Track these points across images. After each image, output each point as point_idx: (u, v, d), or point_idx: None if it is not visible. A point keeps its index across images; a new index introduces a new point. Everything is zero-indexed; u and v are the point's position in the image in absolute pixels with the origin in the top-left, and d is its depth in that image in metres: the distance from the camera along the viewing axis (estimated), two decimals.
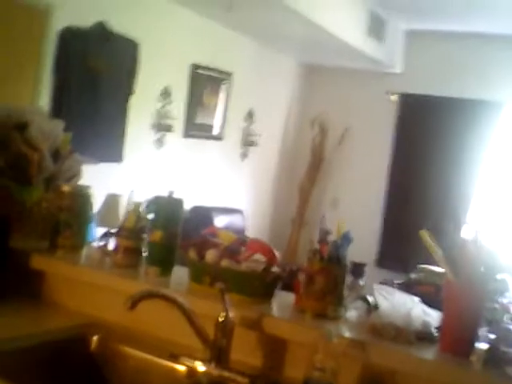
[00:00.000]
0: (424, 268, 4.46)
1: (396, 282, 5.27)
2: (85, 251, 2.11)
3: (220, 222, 5.24)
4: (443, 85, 5.96)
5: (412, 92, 6.16)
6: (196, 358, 1.59)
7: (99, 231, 3.95)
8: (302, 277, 1.66)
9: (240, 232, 5.46)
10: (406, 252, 5.54)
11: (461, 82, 5.91)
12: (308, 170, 6.50)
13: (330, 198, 6.53)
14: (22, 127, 2.27)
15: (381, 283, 5.27)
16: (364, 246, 6.13)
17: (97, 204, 4.13)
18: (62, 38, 3.97)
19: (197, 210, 5.15)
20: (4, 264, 1.96)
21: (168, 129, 5.05)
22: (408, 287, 5.00)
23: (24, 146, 2.23)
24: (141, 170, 4.88)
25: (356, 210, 6.34)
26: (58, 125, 2.48)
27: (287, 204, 6.55)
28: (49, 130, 2.38)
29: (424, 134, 6.14)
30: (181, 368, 1.61)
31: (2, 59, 2.86)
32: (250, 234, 5.76)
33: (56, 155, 2.34)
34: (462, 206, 5.84)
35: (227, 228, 5.25)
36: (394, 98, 6.25)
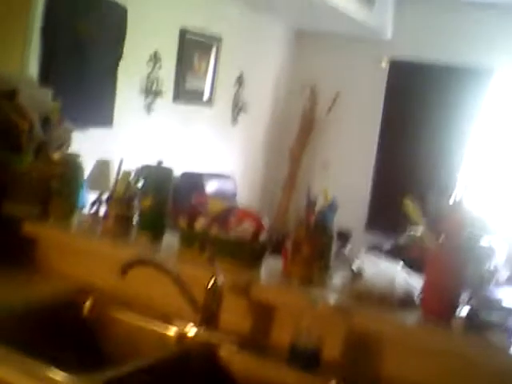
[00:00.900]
0: (413, 232, 4.52)
1: (385, 246, 5.35)
2: (76, 218, 2.14)
3: (211, 187, 5.26)
4: (433, 51, 5.95)
5: (402, 58, 6.14)
6: (186, 323, 1.64)
7: (90, 196, 3.98)
8: (288, 244, 1.70)
9: (231, 197, 5.50)
10: (396, 216, 5.58)
11: (451, 48, 5.90)
12: (298, 135, 6.51)
13: (320, 162, 6.56)
14: (11, 95, 2.27)
15: (370, 248, 5.37)
16: (354, 210, 6.20)
17: (87, 169, 4.15)
18: (50, 2, 3.93)
19: (187, 175, 5.17)
20: None
21: (158, 94, 5.04)
22: (397, 252, 5.08)
23: (13, 114, 2.24)
24: (131, 135, 4.88)
25: (346, 174, 6.38)
26: (47, 93, 2.48)
27: (278, 169, 6.57)
28: (38, 99, 2.39)
29: (414, 99, 6.15)
30: (171, 331, 1.65)
31: None
32: (241, 199, 5.80)
33: (45, 123, 2.35)
34: (450, 172, 5.88)
35: (218, 194, 5.29)
36: (385, 64, 6.24)
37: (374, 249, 5.36)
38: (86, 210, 2.32)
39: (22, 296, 1.76)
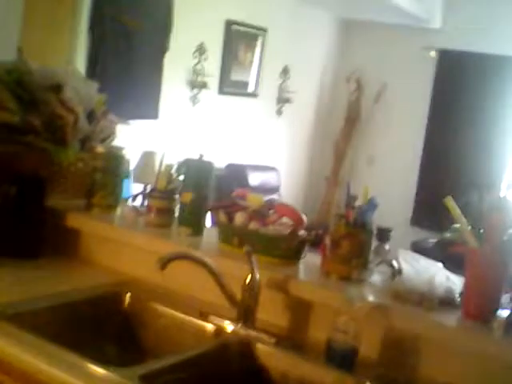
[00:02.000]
0: (458, 228, 4.44)
1: (430, 242, 5.28)
2: (119, 211, 2.17)
3: (254, 179, 5.28)
4: (483, 41, 5.80)
5: (451, 48, 6.01)
6: (224, 317, 1.65)
7: (136, 188, 4.04)
8: (327, 241, 1.68)
9: (274, 190, 5.51)
10: (442, 211, 5.49)
11: (501, 38, 5.74)
12: (344, 128, 6.45)
13: (365, 156, 6.49)
14: (57, 88, 2.31)
15: (414, 243, 5.30)
16: (399, 204, 6.13)
17: (134, 161, 4.21)
18: None
19: (231, 167, 5.19)
20: (41, 223, 2.04)
21: (203, 85, 5.06)
22: (442, 247, 5.01)
23: (59, 108, 2.27)
24: (176, 127, 4.93)
25: (392, 169, 6.30)
26: (93, 86, 2.51)
27: (322, 162, 6.53)
28: (83, 92, 2.42)
29: (463, 91, 6.02)
30: (209, 327, 1.66)
31: (37, 20, 2.90)
32: (285, 192, 5.80)
33: (91, 116, 2.38)
34: (498, 169, 5.75)
35: (261, 186, 5.30)
36: (433, 54, 6.12)
37: (419, 244, 5.31)
38: (129, 202, 2.36)
39: (64, 287, 1.79)
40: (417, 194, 6.27)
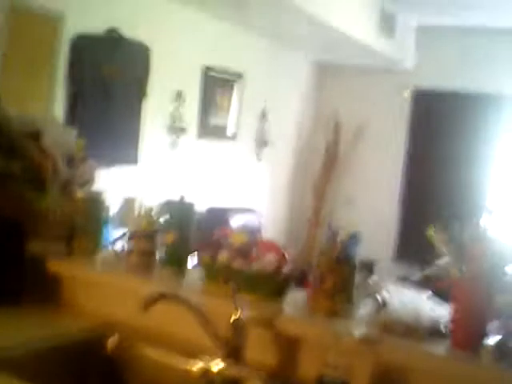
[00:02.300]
0: (442, 263, 4.45)
1: (414, 277, 5.27)
2: (100, 255, 2.15)
3: (236, 222, 5.27)
4: (456, 80, 5.93)
5: (424, 88, 6.14)
6: (211, 356, 1.62)
7: (117, 233, 4.01)
8: (312, 277, 1.68)
9: (256, 232, 5.49)
10: (424, 247, 5.50)
11: (473, 76, 5.88)
12: (322, 169, 6.50)
13: (345, 197, 6.53)
14: (35, 136, 2.31)
15: (398, 279, 5.29)
16: (381, 242, 6.14)
17: (114, 206, 4.18)
18: (75, 45, 4.02)
19: (212, 211, 5.18)
20: (20, 268, 2.00)
21: (182, 131, 5.09)
22: (426, 283, 5.01)
23: (37, 154, 2.27)
24: (156, 172, 4.93)
25: (372, 207, 6.34)
26: (71, 132, 2.52)
27: (303, 203, 6.56)
28: (62, 138, 2.42)
29: (438, 129, 6.13)
30: (196, 368, 1.63)
31: (16, 68, 2.91)
32: (267, 233, 5.78)
33: (70, 162, 2.38)
34: (476, 200, 5.81)
35: (243, 228, 5.28)
36: (407, 94, 6.24)
37: (403, 280, 5.30)
38: (109, 247, 2.33)
39: (45, 332, 1.75)
40: (398, 230, 6.30)
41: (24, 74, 3.09)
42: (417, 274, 5.13)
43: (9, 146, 2.23)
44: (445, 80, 5.98)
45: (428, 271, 4.74)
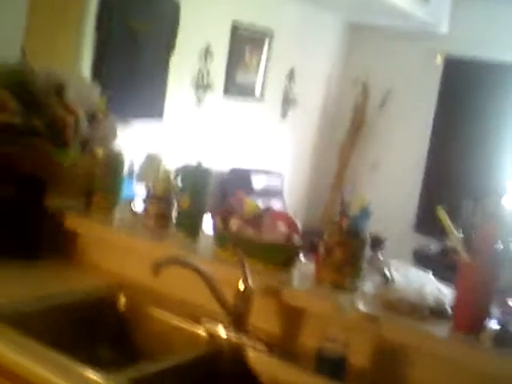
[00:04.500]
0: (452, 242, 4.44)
1: (433, 248, 5.28)
2: (118, 213, 2.19)
3: (258, 183, 5.28)
4: (491, 48, 5.78)
5: (458, 55, 6.00)
6: (217, 323, 1.66)
7: (139, 188, 4.06)
8: (321, 248, 1.69)
9: (278, 194, 5.51)
10: None
11: (509, 45, 5.73)
12: (348, 132, 6.45)
13: (369, 162, 6.49)
14: (59, 90, 2.33)
15: (418, 249, 5.30)
16: (403, 210, 6.13)
17: (138, 161, 4.23)
18: None
19: (235, 171, 5.20)
20: (39, 223, 2.05)
21: (208, 88, 5.08)
22: (445, 254, 5.01)
23: (61, 109, 2.30)
24: (181, 129, 4.94)
25: (396, 175, 6.29)
26: (95, 88, 2.53)
27: (327, 166, 6.53)
28: (85, 94, 2.44)
29: (469, 98, 6.00)
30: (202, 332, 1.67)
31: (42, 21, 2.92)
32: (288, 196, 5.80)
33: (92, 118, 2.41)
34: (503, 177, 5.73)
35: (265, 190, 5.31)
36: (439, 60, 6.11)
37: (422, 251, 5.30)
38: (132, 205, 2.35)
39: (60, 289, 1.81)
40: (420, 200, 6.26)
41: (50, 27, 3.09)
42: (435, 246, 5.14)
43: (32, 101, 2.26)
44: (479, 48, 5.83)
45: (448, 243, 4.75)
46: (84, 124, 2.33)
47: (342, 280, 1.65)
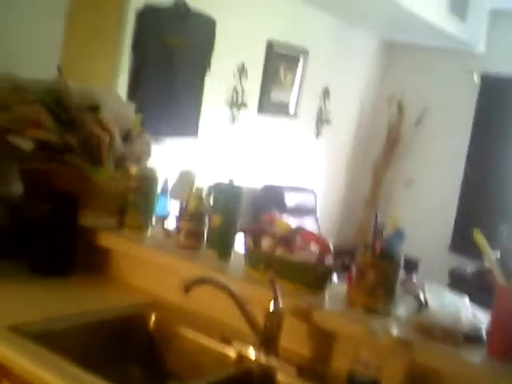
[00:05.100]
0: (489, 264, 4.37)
1: (469, 269, 5.18)
2: (150, 231, 2.20)
3: (291, 201, 5.26)
4: None
5: (495, 73, 5.92)
6: (246, 344, 1.64)
7: (173, 205, 4.09)
8: (354, 270, 1.67)
9: (311, 211, 5.48)
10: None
11: None
12: (383, 150, 6.40)
13: (404, 179, 6.42)
14: (95, 109, 2.36)
15: (453, 270, 5.21)
16: (438, 229, 6.04)
17: (172, 178, 4.25)
18: (141, 16, 4.05)
19: (268, 188, 5.20)
20: (73, 241, 2.07)
21: (243, 105, 5.09)
22: (480, 275, 4.91)
23: (96, 128, 2.32)
24: (215, 146, 4.96)
25: (431, 193, 6.22)
26: (130, 107, 2.56)
27: (360, 184, 6.49)
28: (120, 112, 2.47)
29: (506, 117, 5.92)
30: (232, 352, 1.66)
31: (80, 38, 2.96)
32: (321, 214, 5.77)
33: (126, 136, 2.43)
34: None
35: (298, 207, 5.29)
36: (476, 78, 6.03)
37: (457, 272, 5.21)
38: (165, 223, 2.36)
39: (91, 307, 1.82)
40: (456, 219, 6.15)
41: (87, 45, 3.14)
42: (471, 267, 5.04)
43: (67, 118, 2.29)
44: None
45: (484, 264, 4.66)
46: (118, 142, 2.35)
47: (375, 303, 1.62)
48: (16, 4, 2.37)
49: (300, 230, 1.82)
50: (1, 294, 1.79)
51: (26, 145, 2.12)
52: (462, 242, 5.91)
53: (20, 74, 2.29)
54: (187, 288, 1.60)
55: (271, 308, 1.60)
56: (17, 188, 2.27)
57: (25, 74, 2.30)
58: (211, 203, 2.01)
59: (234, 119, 5.10)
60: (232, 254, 1.99)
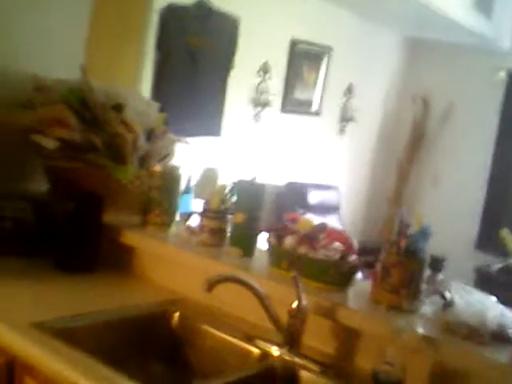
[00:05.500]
0: None
1: (495, 266, 5.12)
2: (173, 229, 2.20)
3: (314, 198, 5.25)
4: None
5: None
6: (270, 342, 1.64)
7: (196, 203, 4.10)
8: (378, 268, 1.65)
9: (334, 209, 5.46)
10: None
11: None
12: (407, 147, 6.35)
13: (430, 176, 6.36)
14: (118, 108, 2.37)
15: (479, 267, 5.15)
16: (464, 226, 5.97)
17: (195, 176, 4.27)
18: (164, 15, 4.07)
19: (291, 185, 5.19)
20: (97, 238, 2.08)
21: (266, 104, 5.09)
22: (506, 273, 4.86)
23: (120, 127, 2.33)
24: (238, 145, 4.97)
25: (457, 190, 6.15)
26: (153, 106, 2.57)
27: (384, 182, 6.44)
28: (144, 112, 2.47)
29: None
30: (255, 350, 1.66)
31: (103, 38, 2.98)
32: (345, 211, 5.74)
33: (150, 135, 2.43)
34: None
35: (321, 204, 5.27)
36: (502, 75, 5.95)
37: (483, 269, 5.15)
38: (188, 221, 2.37)
39: (115, 304, 1.82)
40: (482, 216, 6.09)
41: (111, 45, 3.15)
42: (497, 265, 4.98)
43: (91, 118, 2.30)
44: None
45: (510, 261, 4.60)
46: (142, 141, 2.36)
47: (400, 301, 1.60)
48: (40, 8, 2.39)
49: (323, 228, 1.81)
50: (25, 290, 1.81)
51: (50, 144, 2.14)
52: (488, 239, 5.84)
53: (44, 74, 2.31)
54: (210, 286, 1.60)
55: (294, 306, 1.59)
56: (42, 185, 2.29)
57: (49, 74, 2.32)
58: (234, 201, 2.01)
59: (257, 117, 5.10)
60: (255, 252, 1.99)
